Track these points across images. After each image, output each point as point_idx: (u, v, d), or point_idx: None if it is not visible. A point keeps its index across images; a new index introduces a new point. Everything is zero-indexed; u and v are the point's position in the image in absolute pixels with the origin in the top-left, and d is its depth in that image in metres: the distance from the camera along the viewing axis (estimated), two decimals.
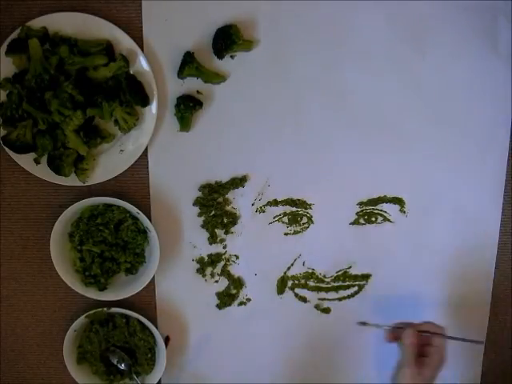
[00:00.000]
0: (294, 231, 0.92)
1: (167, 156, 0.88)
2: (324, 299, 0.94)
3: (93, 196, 0.86)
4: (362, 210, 0.91)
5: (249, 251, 0.92)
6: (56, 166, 0.84)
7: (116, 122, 0.84)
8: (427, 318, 0.88)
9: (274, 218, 0.91)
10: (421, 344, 0.81)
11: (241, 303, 0.94)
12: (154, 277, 0.90)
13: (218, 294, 0.94)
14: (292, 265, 0.93)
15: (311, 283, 0.94)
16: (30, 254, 0.93)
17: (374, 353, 0.96)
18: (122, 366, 0.94)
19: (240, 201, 0.91)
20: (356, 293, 0.95)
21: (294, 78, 0.86)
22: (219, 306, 0.94)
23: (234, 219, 0.91)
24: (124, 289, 0.90)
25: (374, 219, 0.91)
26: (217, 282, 0.93)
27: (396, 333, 0.85)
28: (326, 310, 0.95)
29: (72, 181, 0.86)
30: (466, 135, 0.89)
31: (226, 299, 0.93)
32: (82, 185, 0.86)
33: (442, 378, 0.98)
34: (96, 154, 0.87)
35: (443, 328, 0.82)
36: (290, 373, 0.96)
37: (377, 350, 0.95)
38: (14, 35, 0.81)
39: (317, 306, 0.94)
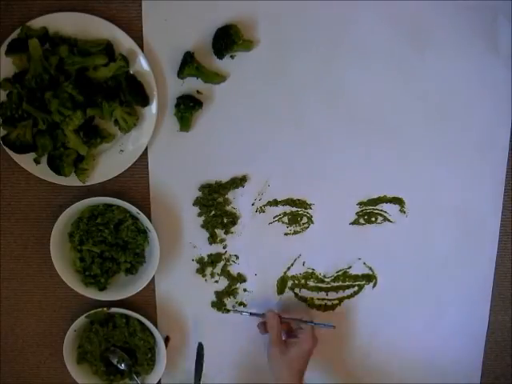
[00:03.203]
0: (294, 231, 0.92)
1: (167, 156, 0.88)
2: (324, 299, 0.94)
3: (93, 196, 0.86)
4: (362, 210, 0.91)
5: (249, 251, 0.92)
6: (56, 166, 0.84)
7: (116, 122, 0.84)
8: (426, 316, 0.88)
9: (274, 218, 0.91)
10: (290, 329, 0.89)
11: (240, 303, 0.94)
12: (153, 277, 0.90)
13: (217, 293, 0.94)
14: (292, 265, 0.93)
15: (311, 283, 0.94)
16: (30, 254, 0.93)
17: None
18: (122, 366, 0.94)
19: (240, 201, 0.91)
20: (356, 293, 0.95)
21: (294, 78, 0.86)
22: (215, 305, 0.94)
23: (233, 219, 0.91)
24: (124, 289, 0.90)
25: (374, 219, 0.91)
26: (217, 281, 0.93)
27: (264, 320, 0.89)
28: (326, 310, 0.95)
29: (72, 181, 0.86)
30: (466, 135, 0.89)
31: (223, 297, 0.94)
32: (82, 185, 0.86)
33: (442, 378, 0.98)
34: (96, 154, 0.87)
35: (310, 312, 0.89)
36: None
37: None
38: (14, 35, 0.81)
39: (316, 306, 0.95)
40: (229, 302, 0.94)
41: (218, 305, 0.94)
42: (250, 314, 0.92)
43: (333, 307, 0.95)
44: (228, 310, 0.93)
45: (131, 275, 0.92)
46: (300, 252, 0.93)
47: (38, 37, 0.80)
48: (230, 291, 0.94)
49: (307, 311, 0.90)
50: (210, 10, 0.83)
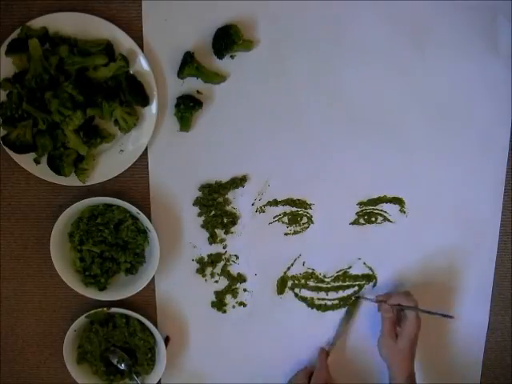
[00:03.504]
0: (294, 231, 0.92)
1: (167, 156, 0.88)
2: (324, 299, 0.94)
3: (93, 196, 0.86)
4: (362, 210, 0.91)
5: (249, 251, 0.92)
6: (56, 166, 0.84)
7: (116, 122, 0.84)
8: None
9: (274, 218, 0.91)
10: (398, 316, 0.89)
11: (240, 303, 0.94)
12: (153, 277, 0.90)
13: (217, 293, 0.94)
14: (292, 265, 0.93)
15: (311, 283, 0.94)
16: (30, 254, 0.93)
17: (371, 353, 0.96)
18: (122, 366, 0.94)
19: (240, 201, 0.91)
20: (356, 293, 0.95)
21: (294, 78, 0.86)
22: (215, 305, 0.94)
23: (234, 219, 0.91)
24: (124, 289, 0.90)
25: (374, 219, 0.91)
26: (217, 281, 0.93)
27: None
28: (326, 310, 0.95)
29: (72, 181, 0.86)
30: (465, 135, 0.89)
31: (222, 297, 0.94)
32: (82, 185, 0.86)
33: (443, 378, 0.98)
34: (96, 154, 0.87)
35: (415, 301, 0.87)
36: (290, 372, 0.96)
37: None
38: (14, 35, 0.81)
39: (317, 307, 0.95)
40: (230, 301, 0.94)
41: (218, 305, 0.94)
42: (369, 300, 0.92)
43: (333, 307, 0.95)
44: (358, 297, 0.94)
45: (131, 275, 0.92)
46: (300, 252, 0.93)
47: (38, 37, 0.80)
48: (229, 291, 0.94)
49: (409, 296, 0.88)
50: (210, 9, 0.84)
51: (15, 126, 0.82)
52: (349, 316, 0.95)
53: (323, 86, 0.87)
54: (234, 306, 0.94)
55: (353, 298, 0.94)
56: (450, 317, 0.88)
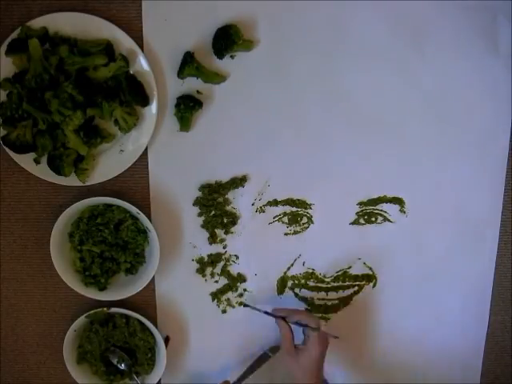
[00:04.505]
0: (294, 231, 0.92)
1: (167, 156, 0.88)
2: (324, 299, 0.94)
3: (93, 196, 0.86)
4: (362, 210, 0.91)
5: (249, 251, 0.92)
6: (56, 166, 0.84)
7: (116, 121, 0.84)
8: (426, 316, 0.88)
9: (274, 218, 0.91)
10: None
11: (240, 303, 0.94)
12: (154, 277, 0.90)
13: (215, 293, 0.94)
14: (292, 265, 0.93)
15: (311, 283, 0.94)
16: (30, 254, 0.93)
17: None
18: (122, 366, 0.94)
19: (240, 201, 0.91)
20: (356, 293, 0.95)
21: (294, 78, 0.86)
22: (213, 297, 0.94)
23: (234, 219, 0.91)
24: (124, 289, 0.90)
25: (374, 219, 0.91)
26: (217, 281, 0.93)
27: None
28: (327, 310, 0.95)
29: (72, 181, 0.86)
30: (466, 135, 0.89)
31: (221, 294, 0.94)
32: (82, 185, 0.86)
33: (443, 378, 0.98)
34: (96, 154, 0.87)
35: (316, 320, 0.84)
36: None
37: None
38: (14, 35, 0.81)
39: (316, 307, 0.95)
40: (233, 298, 0.94)
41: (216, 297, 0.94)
42: (265, 312, 0.89)
43: (333, 307, 0.95)
44: (246, 305, 0.92)
45: (131, 275, 0.92)
46: (300, 252, 0.93)
47: (38, 37, 0.80)
48: (230, 291, 0.94)
49: (311, 316, 0.87)
50: (210, 10, 0.84)
51: (15, 126, 0.82)
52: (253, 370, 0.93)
53: (323, 86, 0.87)
54: (234, 306, 0.94)
55: (243, 306, 0.93)
56: (335, 337, 0.86)
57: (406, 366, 0.98)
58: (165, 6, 0.84)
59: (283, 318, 0.86)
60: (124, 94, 0.83)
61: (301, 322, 0.85)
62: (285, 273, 0.93)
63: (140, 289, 0.88)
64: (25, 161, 0.85)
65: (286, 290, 0.94)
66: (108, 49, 0.82)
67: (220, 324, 0.95)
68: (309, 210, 0.91)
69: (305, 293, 0.94)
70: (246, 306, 0.93)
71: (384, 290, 0.94)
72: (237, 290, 0.94)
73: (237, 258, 0.93)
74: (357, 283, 0.94)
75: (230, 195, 0.90)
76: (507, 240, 0.94)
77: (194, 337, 0.95)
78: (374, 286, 0.94)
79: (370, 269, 0.94)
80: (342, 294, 0.94)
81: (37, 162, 0.85)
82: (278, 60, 0.86)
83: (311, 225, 0.92)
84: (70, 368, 0.93)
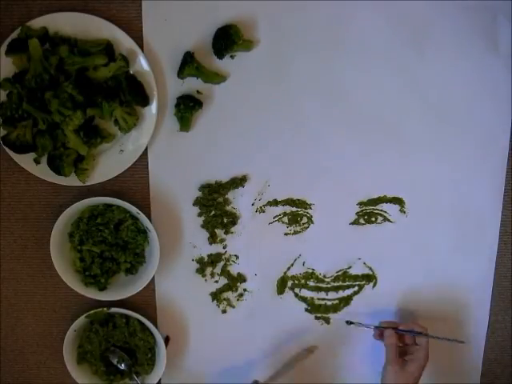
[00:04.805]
0: (294, 231, 0.92)
1: (167, 156, 0.88)
2: (324, 299, 0.94)
3: (93, 196, 0.86)
4: (362, 210, 0.91)
5: (249, 251, 0.92)
6: (56, 166, 0.84)
7: (116, 121, 0.84)
8: (427, 316, 0.88)
9: (274, 218, 0.91)
10: (405, 343, 0.88)
11: (347, 322, 0.94)
12: (154, 277, 0.90)
13: (215, 293, 0.94)
14: (292, 265, 0.93)
15: (311, 283, 0.94)
16: (30, 254, 0.93)
17: (371, 352, 0.96)
18: (122, 366, 0.94)
19: (240, 201, 0.91)
20: (356, 293, 0.95)
21: (294, 78, 0.86)
22: (213, 296, 0.94)
23: (234, 219, 0.91)
24: (124, 289, 0.90)
25: (374, 219, 0.91)
26: (217, 281, 0.93)
27: (381, 331, 0.89)
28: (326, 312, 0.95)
29: (72, 181, 0.86)
30: (466, 135, 0.89)
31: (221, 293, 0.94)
32: (82, 185, 0.86)
33: (443, 378, 0.98)
34: (96, 154, 0.87)
35: (425, 328, 0.87)
36: (290, 372, 0.96)
37: (373, 348, 0.95)
38: (14, 35, 0.81)
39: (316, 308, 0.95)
40: (233, 298, 0.94)
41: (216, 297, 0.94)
42: (367, 326, 0.91)
43: (333, 307, 0.95)
44: (351, 323, 0.92)
45: (131, 275, 0.92)
46: (300, 252, 0.93)
47: (38, 37, 0.80)
48: (229, 291, 0.94)
49: (421, 325, 0.87)
50: (210, 10, 0.83)
51: (15, 126, 0.82)
52: (292, 364, 0.94)
53: (323, 86, 0.87)
54: (233, 306, 0.94)
55: (347, 323, 0.93)
56: (461, 342, 0.88)
57: None
58: (165, 5, 0.84)
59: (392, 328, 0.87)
60: (124, 93, 0.83)
61: (407, 329, 0.87)
62: (285, 273, 0.93)
63: (140, 289, 0.88)
64: (25, 161, 0.85)
65: (286, 290, 0.94)
66: (108, 49, 0.82)
67: (220, 324, 0.95)
68: (309, 210, 0.91)
69: (305, 293, 0.94)
70: (351, 323, 0.93)
71: (384, 290, 0.94)
72: (237, 289, 0.94)
73: (237, 257, 0.93)
74: (357, 283, 0.94)
75: (230, 195, 0.90)
76: (507, 240, 0.94)
77: (194, 337, 0.95)
78: (374, 285, 0.94)
79: (370, 269, 0.94)
80: (342, 293, 0.94)
81: (37, 162, 0.85)
82: (278, 60, 0.86)
83: (311, 225, 0.92)
84: (70, 368, 0.93)
